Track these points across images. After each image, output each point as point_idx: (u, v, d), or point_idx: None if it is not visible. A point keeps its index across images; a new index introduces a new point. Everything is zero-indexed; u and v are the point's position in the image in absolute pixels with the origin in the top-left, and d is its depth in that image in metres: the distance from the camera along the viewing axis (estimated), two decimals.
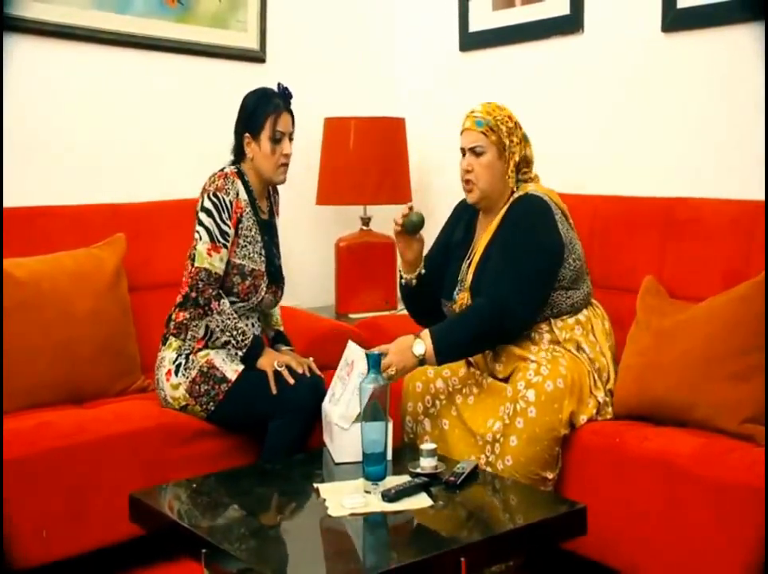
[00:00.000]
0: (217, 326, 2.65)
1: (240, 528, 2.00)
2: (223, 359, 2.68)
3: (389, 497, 2.05)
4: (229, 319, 2.66)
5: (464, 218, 2.80)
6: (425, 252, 2.78)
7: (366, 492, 2.11)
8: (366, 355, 2.27)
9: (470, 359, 2.67)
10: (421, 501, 2.07)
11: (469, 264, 2.67)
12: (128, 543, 2.44)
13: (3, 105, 2.95)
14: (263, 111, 2.71)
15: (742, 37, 2.88)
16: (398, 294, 3.71)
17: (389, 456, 2.28)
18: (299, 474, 2.33)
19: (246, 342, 2.67)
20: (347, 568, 1.92)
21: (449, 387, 2.68)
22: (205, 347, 2.70)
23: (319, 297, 3.83)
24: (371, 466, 2.15)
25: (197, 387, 2.65)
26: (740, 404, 2.29)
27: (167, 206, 3.27)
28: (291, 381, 2.62)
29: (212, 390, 2.64)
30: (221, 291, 2.68)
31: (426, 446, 2.25)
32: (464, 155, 2.66)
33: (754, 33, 2.80)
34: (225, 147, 2.78)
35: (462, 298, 2.65)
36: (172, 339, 2.73)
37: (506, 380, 2.56)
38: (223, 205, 2.66)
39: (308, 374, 2.69)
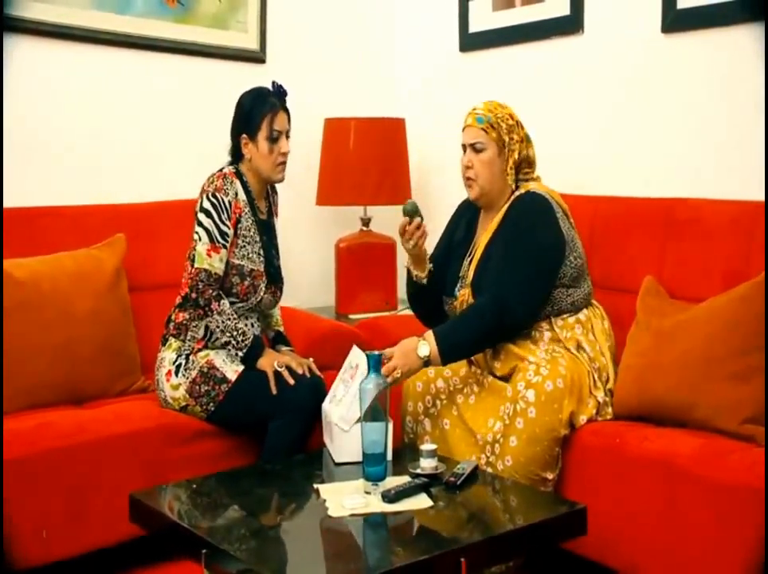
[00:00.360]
0: (217, 327, 2.65)
1: (240, 528, 2.00)
2: (223, 360, 2.68)
3: (389, 497, 2.05)
4: (229, 319, 2.66)
5: (465, 216, 2.81)
6: (429, 251, 2.78)
7: (367, 492, 2.11)
8: (366, 355, 2.26)
9: (471, 357, 2.67)
10: (421, 501, 2.07)
11: (470, 260, 2.68)
12: (128, 543, 2.44)
13: (3, 105, 2.96)
14: (259, 111, 2.71)
15: (742, 38, 2.88)
16: (398, 295, 3.74)
17: (390, 456, 2.28)
18: (299, 475, 2.33)
19: (246, 342, 2.67)
20: (347, 569, 1.92)
21: (450, 387, 2.68)
22: (205, 347, 2.70)
23: (319, 298, 3.83)
24: (371, 467, 2.15)
25: (197, 387, 2.65)
26: (740, 404, 2.29)
27: (167, 206, 3.27)
28: (292, 381, 2.62)
29: (212, 390, 2.64)
30: (220, 291, 2.68)
31: (426, 446, 2.26)
32: (464, 151, 2.67)
33: (754, 33, 2.80)
34: (224, 148, 2.79)
35: (463, 295, 2.65)
36: (172, 339, 2.73)
37: (504, 378, 2.56)
38: (222, 205, 2.66)
39: (308, 374, 2.69)
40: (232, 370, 2.66)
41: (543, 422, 2.38)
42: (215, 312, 2.65)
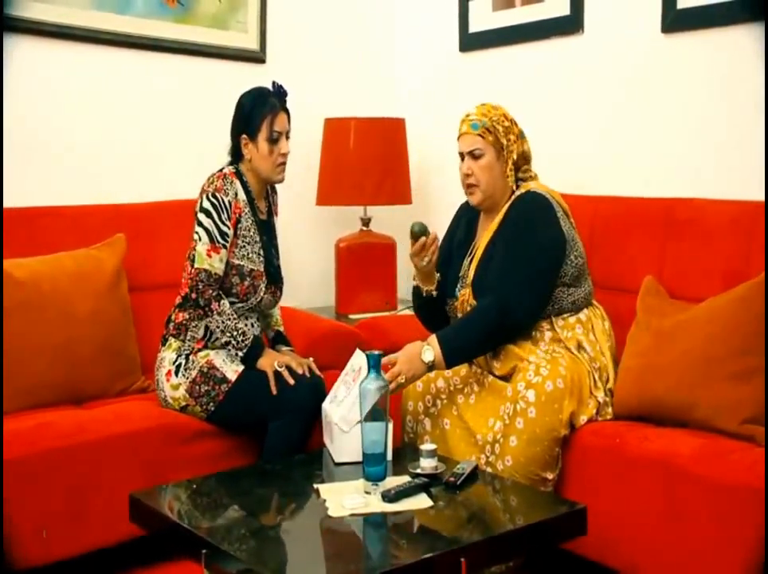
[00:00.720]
0: (217, 327, 2.65)
1: (240, 528, 2.00)
2: (223, 360, 2.68)
3: (389, 497, 2.05)
4: (229, 319, 2.66)
5: (466, 216, 2.81)
6: None
7: (367, 492, 2.11)
8: (366, 355, 2.25)
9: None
10: (421, 501, 2.07)
11: (471, 260, 2.68)
12: (128, 543, 2.44)
13: (3, 105, 2.96)
14: (259, 112, 2.70)
15: (742, 38, 2.88)
16: (398, 295, 3.74)
17: (390, 456, 2.28)
18: (299, 475, 2.33)
19: (246, 342, 2.67)
20: (347, 569, 1.92)
21: (450, 387, 2.68)
22: (205, 347, 2.70)
23: (319, 298, 3.83)
24: (371, 467, 2.15)
25: (197, 387, 2.65)
26: (740, 404, 2.29)
27: (167, 206, 3.27)
28: (292, 381, 2.62)
29: (212, 390, 2.64)
30: (220, 292, 2.68)
31: (426, 446, 2.25)
32: (462, 159, 2.66)
33: (754, 33, 2.80)
34: (224, 148, 2.78)
35: (464, 295, 2.65)
36: (172, 339, 2.73)
37: (504, 378, 2.56)
38: (222, 205, 2.66)
39: (308, 374, 2.69)
40: (232, 370, 2.66)
41: (543, 423, 2.37)
42: (215, 312, 2.65)
